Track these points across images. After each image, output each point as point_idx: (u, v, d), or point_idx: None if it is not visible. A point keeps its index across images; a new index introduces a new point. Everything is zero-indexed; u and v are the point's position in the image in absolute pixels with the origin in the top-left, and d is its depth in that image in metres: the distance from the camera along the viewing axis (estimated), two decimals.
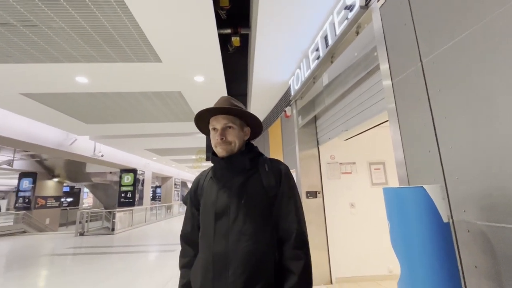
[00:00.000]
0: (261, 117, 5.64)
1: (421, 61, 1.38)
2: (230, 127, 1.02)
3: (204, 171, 1.14)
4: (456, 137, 1.17)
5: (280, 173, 1.01)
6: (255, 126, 1.13)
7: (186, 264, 1.04)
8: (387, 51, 1.65)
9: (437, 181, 1.27)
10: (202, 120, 1.07)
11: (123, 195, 11.59)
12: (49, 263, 5.35)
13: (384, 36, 1.67)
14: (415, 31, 1.41)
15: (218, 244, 0.90)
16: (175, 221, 13.33)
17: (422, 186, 1.00)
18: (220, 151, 1.00)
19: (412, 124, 1.46)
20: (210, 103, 4.39)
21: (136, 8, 2.35)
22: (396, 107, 1.58)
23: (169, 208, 17.00)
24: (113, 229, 9.50)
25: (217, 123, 1.02)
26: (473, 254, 1.09)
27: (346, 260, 3.28)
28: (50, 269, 4.87)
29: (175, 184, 18.58)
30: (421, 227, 0.97)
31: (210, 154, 1.10)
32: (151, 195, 16.61)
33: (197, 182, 1.11)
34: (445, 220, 1.00)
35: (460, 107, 1.15)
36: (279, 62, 3.21)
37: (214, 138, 1.01)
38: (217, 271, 0.87)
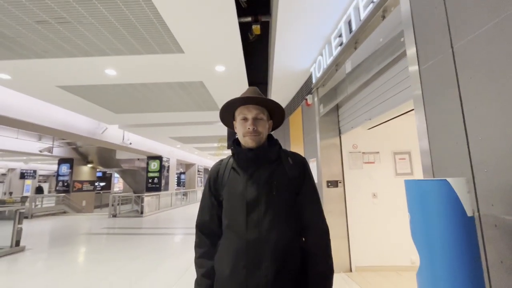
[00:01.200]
0: (282, 105, 5.59)
1: (452, 47, 1.30)
2: (260, 118, 1.03)
3: (222, 160, 1.13)
4: (486, 128, 1.12)
5: (304, 166, 1.06)
6: (278, 120, 1.15)
7: (203, 254, 1.04)
8: (415, 36, 1.57)
9: (464, 173, 1.22)
10: (230, 109, 1.08)
11: (150, 180, 12.25)
12: (87, 241, 5.89)
13: (413, 21, 1.58)
14: (446, 15, 1.32)
15: (251, 233, 0.93)
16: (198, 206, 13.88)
17: (445, 179, 0.97)
18: (249, 141, 1.01)
19: (439, 114, 1.39)
20: (231, 92, 4.45)
21: (159, 1, 2.41)
22: (422, 95, 1.51)
23: (191, 194, 17.72)
24: (142, 212, 10.15)
25: (248, 112, 1.02)
26: (499, 249, 1.06)
27: (367, 250, 3.27)
28: (88, 247, 5.37)
29: (198, 171, 19.23)
30: (442, 220, 0.96)
31: (232, 143, 1.10)
32: (176, 181, 17.37)
33: (217, 172, 1.09)
34: (469, 214, 0.97)
35: (492, 96, 1.09)
36: (300, 49, 3.14)
37: (245, 127, 1.01)
38: (250, 258, 0.91)
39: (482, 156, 1.14)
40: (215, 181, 1.08)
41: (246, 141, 1.02)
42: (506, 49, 1.04)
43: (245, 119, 1.03)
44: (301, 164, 1.06)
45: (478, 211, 1.15)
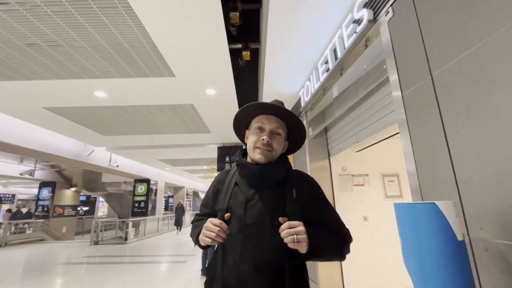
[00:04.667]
0: None
1: (431, 74, 1.37)
2: (278, 133, 0.93)
3: (228, 171, 1.02)
4: (469, 151, 1.15)
5: (318, 189, 0.99)
6: (296, 143, 1.04)
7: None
8: (396, 64, 1.65)
9: (451, 196, 1.23)
10: (248, 114, 0.96)
11: (136, 204, 11.80)
12: (65, 272, 5.47)
13: (393, 50, 1.68)
14: (424, 45, 1.41)
15: (246, 259, 0.84)
16: (186, 231, 13.37)
17: (434, 202, 0.97)
18: (259, 156, 0.90)
19: (423, 137, 1.43)
20: (222, 115, 4.47)
21: (151, 27, 2.48)
22: (406, 119, 1.56)
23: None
24: (126, 239, 9.63)
25: (268, 122, 0.92)
26: (492, 274, 1.04)
27: (360, 275, 3.17)
28: (65, 278, 4.97)
29: (187, 194, 18.73)
30: (433, 245, 0.95)
31: (239, 152, 0.99)
32: (164, 205, 16.79)
33: (221, 182, 0.98)
34: (459, 238, 0.96)
35: (473, 120, 1.13)
36: (289, 74, 3.25)
37: (258, 138, 0.91)
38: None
39: (467, 179, 1.16)
40: (217, 192, 0.99)
41: (255, 154, 0.91)
42: (481, 77, 1.10)
43: (261, 129, 0.92)
44: (311, 186, 0.96)
45: (468, 234, 1.14)
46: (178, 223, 13.22)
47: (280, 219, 0.81)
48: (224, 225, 0.83)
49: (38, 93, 3.92)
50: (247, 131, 1.01)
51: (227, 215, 0.87)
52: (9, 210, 13.13)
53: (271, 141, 0.90)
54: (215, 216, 0.92)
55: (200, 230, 0.87)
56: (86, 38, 2.64)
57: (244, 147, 1.04)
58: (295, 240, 0.77)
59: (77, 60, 3.03)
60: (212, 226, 0.82)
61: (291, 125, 0.97)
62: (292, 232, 0.78)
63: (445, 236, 0.94)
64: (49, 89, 3.76)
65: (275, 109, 0.92)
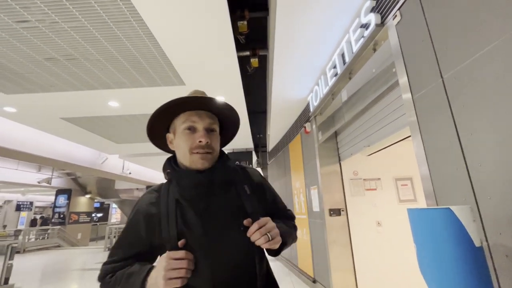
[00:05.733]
0: (281, 133, 5.67)
1: (441, 77, 1.35)
2: (213, 129, 0.79)
3: (156, 190, 0.81)
4: (484, 155, 1.12)
5: (262, 178, 0.91)
6: (230, 134, 0.92)
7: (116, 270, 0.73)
8: (406, 68, 1.64)
9: (467, 200, 1.20)
10: (167, 115, 0.78)
11: None
12: (80, 278, 5.59)
13: (402, 53, 1.67)
14: (433, 48, 1.40)
15: (219, 279, 0.70)
16: None
17: (449, 208, 0.96)
18: (200, 161, 0.74)
19: (436, 140, 1.41)
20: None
21: (162, 38, 2.56)
22: (418, 123, 1.54)
23: None
24: None
25: (199, 120, 0.76)
26: None
27: (375, 283, 3.09)
28: (81, 284, 5.07)
29: None
30: (450, 251, 0.92)
31: (167, 162, 0.81)
32: None
33: (153, 205, 0.76)
34: (477, 244, 0.94)
35: (487, 123, 1.11)
36: (297, 80, 3.27)
37: (193, 140, 0.75)
38: None
39: (483, 183, 1.13)
40: (149, 221, 0.74)
41: (195, 161, 0.74)
42: (494, 78, 1.08)
43: (192, 129, 0.76)
44: (260, 177, 0.89)
45: (487, 240, 1.11)
46: None
47: (245, 221, 0.71)
48: (190, 255, 0.67)
49: (55, 105, 4.09)
50: (168, 135, 0.82)
51: (181, 241, 0.68)
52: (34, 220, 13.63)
53: (210, 140, 0.75)
54: (149, 255, 0.75)
55: (143, 278, 0.65)
56: (100, 51, 2.75)
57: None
58: (270, 239, 0.69)
59: (92, 72, 3.16)
60: (176, 262, 0.64)
61: (220, 114, 0.83)
62: (264, 231, 0.69)
63: (461, 242, 0.92)
64: (66, 100, 3.92)
65: (203, 102, 0.76)
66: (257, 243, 0.69)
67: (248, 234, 0.70)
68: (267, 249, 0.75)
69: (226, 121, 0.86)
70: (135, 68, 3.12)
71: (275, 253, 0.79)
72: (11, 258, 4.86)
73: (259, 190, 0.85)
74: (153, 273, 0.66)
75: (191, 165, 0.76)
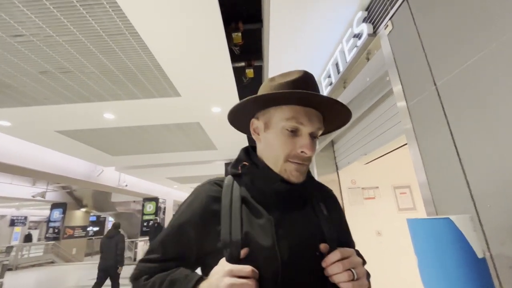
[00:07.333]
0: None
1: (435, 84, 1.35)
2: (316, 136, 0.64)
3: (218, 183, 0.66)
4: (482, 162, 1.10)
5: (336, 199, 0.78)
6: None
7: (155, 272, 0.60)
8: (399, 76, 1.65)
9: (467, 209, 1.18)
10: (266, 100, 0.62)
11: (145, 223, 11.74)
12: None
13: (395, 62, 1.68)
14: (425, 56, 1.41)
15: None
16: None
17: (448, 217, 0.93)
18: (295, 174, 0.60)
19: (432, 148, 1.40)
20: (227, 132, 4.48)
21: (157, 50, 2.57)
22: (414, 130, 1.53)
23: None
24: (135, 259, 9.52)
25: (308, 122, 0.60)
26: None
27: None
28: None
29: None
30: (451, 263, 0.89)
31: (243, 154, 0.68)
32: None
33: (214, 200, 0.62)
34: (479, 255, 0.90)
35: (483, 130, 1.10)
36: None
37: (293, 146, 0.60)
38: None
39: (482, 191, 1.11)
40: (208, 217, 0.60)
41: (288, 170, 0.61)
42: (486, 85, 1.08)
43: (296, 131, 0.60)
44: (336, 199, 0.76)
45: (489, 251, 1.07)
46: None
47: (321, 246, 0.56)
48: (256, 272, 0.51)
49: (50, 118, 4.05)
50: (255, 122, 0.67)
51: (244, 250, 0.54)
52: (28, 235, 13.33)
53: (312, 151, 0.60)
54: (191, 260, 0.60)
55: None
56: (95, 63, 2.75)
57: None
58: (354, 277, 0.52)
59: (87, 84, 3.15)
60: (242, 283, 0.49)
61: (325, 111, 0.64)
62: (348, 266, 0.53)
63: (463, 253, 0.89)
64: (60, 113, 3.89)
65: (320, 100, 0.59)
66: (336, 279, 0.53)
67: (324, 264, 0.54)
68: None
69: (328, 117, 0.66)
70: (130, 80, 3.11)
71: None
72: (1, 276, 4.70)
73: (334, 213, 0.70)
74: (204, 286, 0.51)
75: (280, 172, 0.61)
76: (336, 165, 3.47)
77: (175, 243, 0.60)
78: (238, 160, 0.68)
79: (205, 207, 0.60)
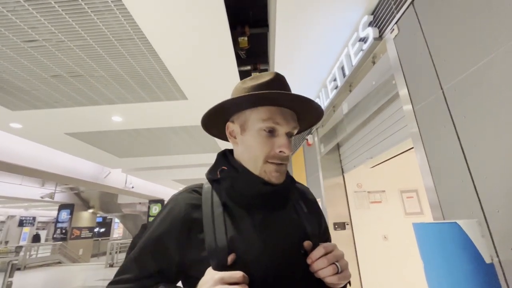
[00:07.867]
0: None
1: (441, 88, 1.35)
2: (292, 135, 0.64)
3: (196, 190, 0.64)
4: (490, 166, 1.10)
5: (314, 197, 0.78)
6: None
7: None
8: (405, 79, 1.64)
9: (475, 214, 1.17)
10: (240, 102, 0.61)
11: None
12: None
13: (401, 65, 1.68)
14: (432, 60, 1.41)
15: None
16: None
17: (455, 222, 0.92)
18: (274, 174, 0.60)
19: (439, 152, 1.39)
20: None
21: (165, 55, 2.62)
22: (420, 134, 1.53)
23: None
24: None
25: (284, 122, 0.61)
26: None
27: None
28: None
29: None
30: (459, 269, 0.89)
31: (221, 157, 0.68)
32: None
33: (194, 207, 0.59)
34: (487, 260, 0.90)
35: (490, 134, 1.09)
36: (298, 93, 3.28)
37: (271, 146, 0.60)
38: None
39: (490, 195, 1.10)
40: (185, 230, 0.57)
41: (268, 172, 0.60)
42: (494, 89, 1.07)
43: (273, 131, 0.61)
44: (314, 197, 0.77)
45: (498, 256, 1.06)
46: None
47: (305, 243, 0.57)
48: (247, 277, 0.50)
49: (60, 120, 4.15)
50: (230, 125, 0.66)
51: (231, 257, 0.52)
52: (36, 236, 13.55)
53: (290, 150, 0.60)
54: (172, 274, 0.57)
55: None
56: (104, 67, 2.81)
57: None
58: (339, 270, 0.53)
59: (97, 88, 3.22)
60: None
61: (298, 110, 0.66)
62: (332, 259, 0.54)
63: (471, 259, 0.88)
64: (70, 115, 3.98)
65: (293, 98, 0.60)
66: (322, 274, 0.53)
67: (309, 260, 0.55)
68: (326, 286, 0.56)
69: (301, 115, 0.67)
70: (138, 84, 3.17)
71: None
72: (11, 275, 4.79)
73: (314, 211, 0.71)
74: None
75: (260, 174, 0.61)
76: (342, 169, 3.46)
77: (154, 257, 0.56)
78: (216, 165, 0.67)
79: (185, 216, 0.58)
